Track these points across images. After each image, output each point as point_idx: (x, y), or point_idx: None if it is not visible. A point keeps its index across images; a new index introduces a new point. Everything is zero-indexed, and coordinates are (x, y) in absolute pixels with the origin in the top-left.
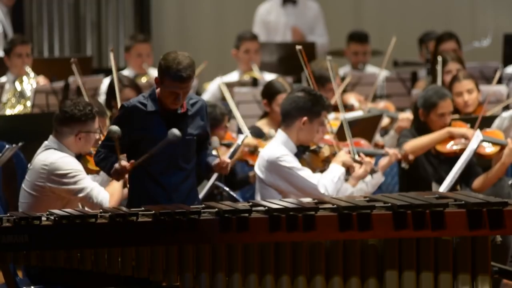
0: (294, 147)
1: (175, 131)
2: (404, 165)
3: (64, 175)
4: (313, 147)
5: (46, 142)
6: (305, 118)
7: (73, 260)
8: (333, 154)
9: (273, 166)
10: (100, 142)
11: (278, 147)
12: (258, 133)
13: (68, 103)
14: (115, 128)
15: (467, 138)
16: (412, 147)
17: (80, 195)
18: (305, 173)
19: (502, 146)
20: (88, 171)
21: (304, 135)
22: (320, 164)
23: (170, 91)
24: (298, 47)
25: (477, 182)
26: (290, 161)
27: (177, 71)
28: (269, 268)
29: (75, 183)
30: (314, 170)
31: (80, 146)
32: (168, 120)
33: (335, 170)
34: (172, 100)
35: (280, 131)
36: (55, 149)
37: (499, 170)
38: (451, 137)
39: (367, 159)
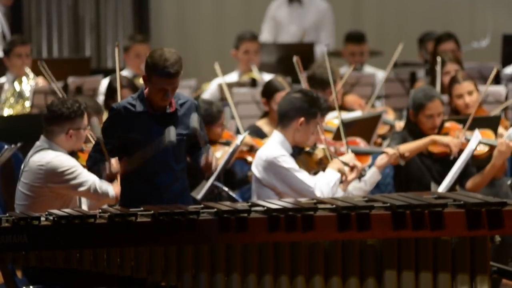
0: (290, 147)
1: (172, 133)
2: (401, 162)
3: (63, 173)
4: (307, 149)
5: (37, 143)
6: (302, 119)
7: (72, 260)
8: (326, 157)
9: (270, 165)
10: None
11: (276, 147)
12: (257, 133)
13: (55, 102)
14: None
15: (451, 147)
16: (402, 150)
17: (82, 189)
18: (302, 175)
19: (492, 147)
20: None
21: (299, 136)
22: (315, 165)
23: (158, 88)
24: (295, 58)
25: (470, 182)
26: (288, 161)
27: (164, 68)
28: (268, 268)
29: (75, 178)
30: (309, 171)
31: (72, 144)
32: (157, 120)
33: (331, 175)
34: (161, 97)
35: (276, 131)
36: (47, 148)
37: (490, 172)
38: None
39: (358, 164)
